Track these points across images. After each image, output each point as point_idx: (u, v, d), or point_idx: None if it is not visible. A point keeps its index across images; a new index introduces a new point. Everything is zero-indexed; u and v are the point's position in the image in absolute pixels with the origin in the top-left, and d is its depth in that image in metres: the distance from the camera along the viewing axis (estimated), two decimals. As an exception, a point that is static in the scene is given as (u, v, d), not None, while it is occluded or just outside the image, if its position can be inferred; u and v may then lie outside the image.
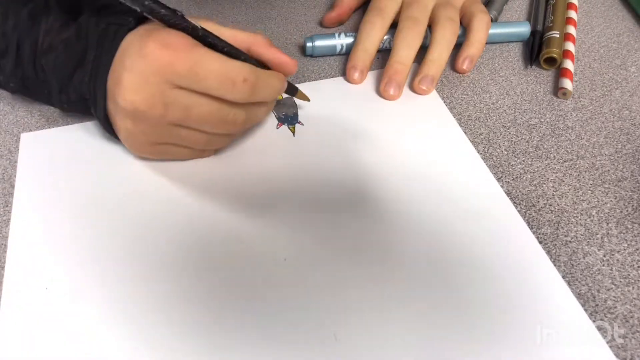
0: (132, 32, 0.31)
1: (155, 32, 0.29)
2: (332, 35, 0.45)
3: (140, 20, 0.31)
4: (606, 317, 0.29)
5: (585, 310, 0.29)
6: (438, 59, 0.41)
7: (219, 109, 0.31)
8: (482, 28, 0.43)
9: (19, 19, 0.33)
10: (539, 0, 0.50)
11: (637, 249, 0.32)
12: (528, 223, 0.33)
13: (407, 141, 0.38)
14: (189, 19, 0.29)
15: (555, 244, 0.32)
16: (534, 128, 0.39)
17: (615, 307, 0.29)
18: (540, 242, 0.32)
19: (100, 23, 0.32)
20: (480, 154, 0.37)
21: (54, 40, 0.32)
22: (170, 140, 0.33)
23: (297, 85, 0.43)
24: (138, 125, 0.31)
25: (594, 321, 0.28)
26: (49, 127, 0.39)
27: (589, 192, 0.35)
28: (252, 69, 0.30)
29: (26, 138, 0.38)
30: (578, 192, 0.35)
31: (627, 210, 0.34)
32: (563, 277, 0.30)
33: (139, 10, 0.28)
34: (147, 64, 0.28)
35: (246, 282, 0.30)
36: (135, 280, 0.30)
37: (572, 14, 0.49)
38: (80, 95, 0.33)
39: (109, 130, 0.34)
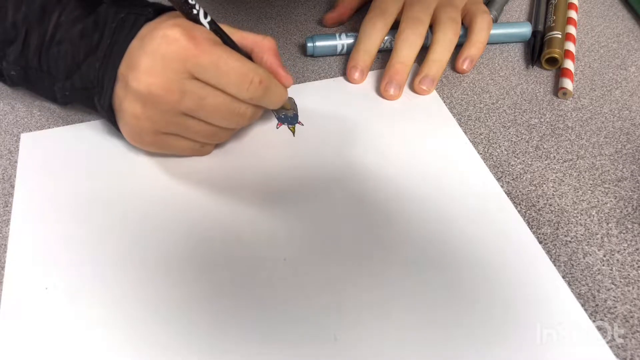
0: (151, 22, 0.31)
1: (181, 22, 0.30)
2: (332, 36, 0.45)
3: (158, 12, 0.32)
4: (606, 317, 0.29)
5: (585, 310, 0.29)
6: (439, 59, 0.41)
7: (231, 101, 0.32)
8: (483, 29, 0.43)
9: (30, 10, 0.33)
10: (540, 1, 0.50)
11: (637, 249, 0.32)
12: (528, 223, 0.33)
13: (407, 141, 0.38)
14: (202, 13, 0.30)
15: (555, 244, 0.32)
16: (534, 128, 0.39)
17: (615, 307, 0.29)
18: (540, 242, 0.32)
19: (120, 12, 0.32)
20: (480, 154, 0.37)
21: (67, 32, 0.33)
22: (175, 131, 0.33)
23: (296, 85, 0.43)
24: (147, 111, 0.31)
25: (594, 321, 0.28)
26: (49, 127, 0.39)
27: (589, 192, 0.35)
28: (267, 73, 0.32)
29: (26, 138, 0.38)
30: (578, 192, 0.35)
31: (627, 210, 0.34)
32: (563, 277, 0.30)
33: None
34: (171, 50, 0.29)
35: (246, 282, 0.30)
36: (134, 280, 0.30)
37: (573, 14, 0.49)
38: (84, 83, 0.33)
39: (111, 119, 0.34)
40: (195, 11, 0.30)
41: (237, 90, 0.31)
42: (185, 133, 0.33)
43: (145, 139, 0.33)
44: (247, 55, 0.34)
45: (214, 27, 0.31)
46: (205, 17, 0.30)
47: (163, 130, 0.32)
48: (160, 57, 0.29)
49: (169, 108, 0.30)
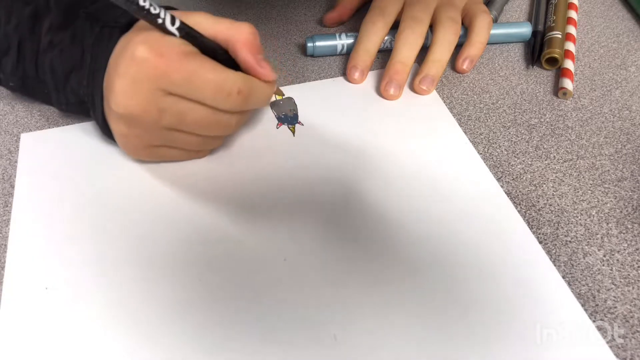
0: (124, 35, 0.30)
1: (148, 37, 0.28)
2: (333, 36, 0.45)
3: (131, 22, 0.31)
4: (606, 317, 0.29)
5: (585, 310, 0.29)
6: (439, 59, 0.41)
7: (213, 113, 0.31)
8: (483, 28, 0.43)
9: (20, 19, 0.33)
10: (540, 1, 0.50)
11: (637, 249, 0.32)
12: (528, 223, 0.33)
13: (407, 141, 0.38)
14: (167, 13, 0.28)
15: (555, 244, 0.32)
16: (534, 128, 0.39)
17: (615, 307, 0.29)
18: (540, 242, 0.32)
19: (95, 26, 0.32)
20: (480, 154, 0.37)
21: (54, 38, 0.32)
22: (165, 143, 0.33)
23: (296, 85, 0.43)
24: (132, 129, 0.31)
25: (594, 321, 0.28)
26: (49, 127, 0.39)
27: (589, 192, 0.35)
28: (246, 80, 0.30)
29: (26, 138, 0.38)
30: (578, 192, 0.35)
31: (627, 210, 0.34)
32: (563, 277, 0.30)
33: (124, 8, 0.27)
34: (140, 71, 0.28)
35: (246, 282, 0.30)
36: (134, 280, 0.30)
37: (573, 13, 0.49)
38: (78, 98, 0.33)
39: (107, 133, 0.34)
40: (160, 20, 0.28)
41: (214, 103, 0.30)
42: (175, 144, 0.33)
43: (139, 153, 0.33)
44: (224, 52, 0.31)
45: (184, 32, 0.29)
46: (173, 24, 0.28)
47: (153, 144, 0.32)
48: (131, 79, 0.28)
49: (150, 126, 0.30)
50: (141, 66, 0.28)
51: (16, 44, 0.33)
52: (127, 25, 0.31)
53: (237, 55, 0.31)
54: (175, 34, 0.29)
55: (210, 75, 0.29)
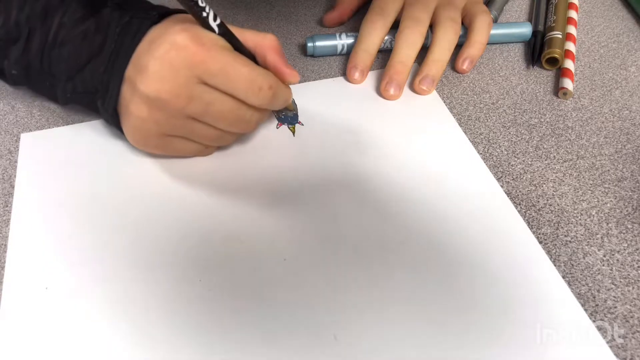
0: (157, 26, 0.31)
1: (189, 28, 0.30)
2: (333, 36, 0.45)
3: (163, 15, 0.32)
4: (606, 317, 0.29)
5: (585, 310, 0.29)
6: (439, 59, 0.41)
7: (238, 108, 0.32)
8: (483, 28, 0.43)
9: (33, 11, 0.33)
10: (540, 1, 0.50)
11: (637, 249, 0.32)
12: (528, 223, 0.33)
13: (407, 141, 0.38)
14: (211, 9, 0.30)
15: (555, 244, 0.32)
16: (534, 128, 0.39)
17: (615, 307, 0.29)
18: (540, 242, 0.32)
19: (124, 16, 0.32)
20: (480, 154, 0.37)
21: (69, 33, 0.33)
22: (180, 134, 0.33)
23: (296, 85, 0.43)
24: (154, 114, 0.31)
25: (594, 321, 0.28)
26: (49, 127, 0.39)
27: (589, 192, 0.35)
28: (275, 77, 0.32)
29: (26, 138, 0.38)
30: (578, 192, 0.35)
31: (627, 210, 0.34)
32: (563, 277, 0.30)
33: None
34: (179, 57, 0.29)
35: (246, 282, 0.30)
36: (135, 280, 0.30)
37: (573, 13, 0.49)
38: (86, 87, 0.33)
39: (114, 122, 0.34)
40: (205, 14, 0.29)
41: (245, 96, 0.31)
42: (191, 136, 0.33)
43: (150, 142, 0.33)
44: (252, 56, 0.34)
45: (223, 30, 0.31)
46: (215, 20, 0.30)
47: (168, 133, 0.32)
48: (169, 63, 0.29)
49: (175, 112, 0.30)
50: (180, 52, 0.29)
51: (26, 34, 0.33)
52: (159, 18, 0.32)
53: (267, 57, 0.33)
54: (215, 30, 0.30)
55: (246, 69, 0.30)
